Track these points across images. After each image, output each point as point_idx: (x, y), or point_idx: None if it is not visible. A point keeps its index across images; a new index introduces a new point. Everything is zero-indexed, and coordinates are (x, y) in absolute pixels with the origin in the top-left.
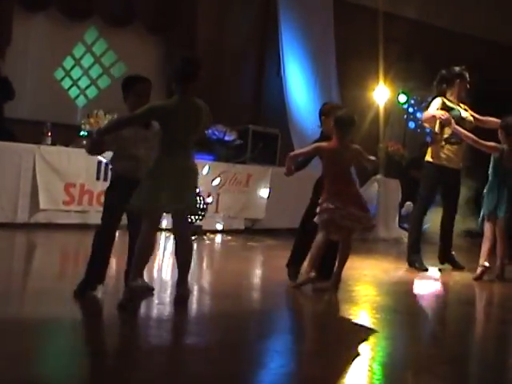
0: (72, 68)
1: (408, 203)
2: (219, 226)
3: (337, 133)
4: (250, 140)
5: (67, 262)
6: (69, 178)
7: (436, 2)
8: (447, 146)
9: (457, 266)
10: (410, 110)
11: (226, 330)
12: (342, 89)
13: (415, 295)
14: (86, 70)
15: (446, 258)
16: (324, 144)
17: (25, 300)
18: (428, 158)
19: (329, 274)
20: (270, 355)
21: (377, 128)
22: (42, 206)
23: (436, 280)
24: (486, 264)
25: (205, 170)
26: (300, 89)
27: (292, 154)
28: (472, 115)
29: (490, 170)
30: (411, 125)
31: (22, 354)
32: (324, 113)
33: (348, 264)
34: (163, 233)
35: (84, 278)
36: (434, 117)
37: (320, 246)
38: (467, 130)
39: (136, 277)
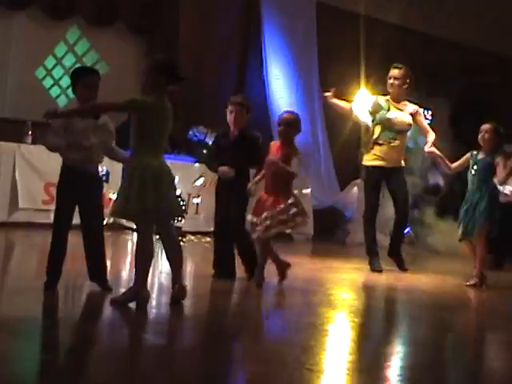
0: (53, 67)
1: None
2: (199, 228)
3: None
4: None
5: (45, 261)
6: (49, 178)
7: (417, 8)
8: (376, 147)
9: (400, 266)
10: None
11: (202, 332)
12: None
13: (393, 299)
14: (67, 69)
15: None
16: None
17: (2, 299)
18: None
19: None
20: (246, 357)
21: (357, 133)
22: (20, 204)
23: (415, 285)
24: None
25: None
26: (282, 92)
27: None
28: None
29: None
30: None
31: None
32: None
33: (326, 267)
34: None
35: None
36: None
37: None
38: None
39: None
